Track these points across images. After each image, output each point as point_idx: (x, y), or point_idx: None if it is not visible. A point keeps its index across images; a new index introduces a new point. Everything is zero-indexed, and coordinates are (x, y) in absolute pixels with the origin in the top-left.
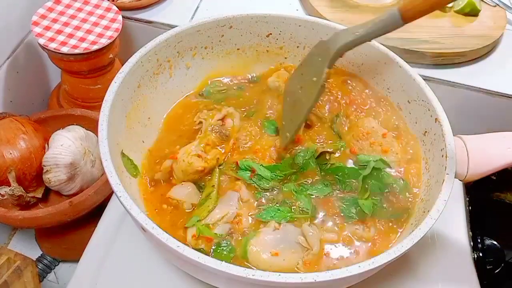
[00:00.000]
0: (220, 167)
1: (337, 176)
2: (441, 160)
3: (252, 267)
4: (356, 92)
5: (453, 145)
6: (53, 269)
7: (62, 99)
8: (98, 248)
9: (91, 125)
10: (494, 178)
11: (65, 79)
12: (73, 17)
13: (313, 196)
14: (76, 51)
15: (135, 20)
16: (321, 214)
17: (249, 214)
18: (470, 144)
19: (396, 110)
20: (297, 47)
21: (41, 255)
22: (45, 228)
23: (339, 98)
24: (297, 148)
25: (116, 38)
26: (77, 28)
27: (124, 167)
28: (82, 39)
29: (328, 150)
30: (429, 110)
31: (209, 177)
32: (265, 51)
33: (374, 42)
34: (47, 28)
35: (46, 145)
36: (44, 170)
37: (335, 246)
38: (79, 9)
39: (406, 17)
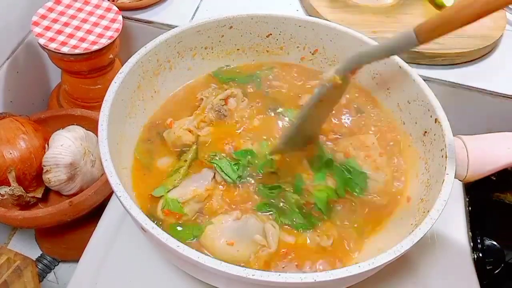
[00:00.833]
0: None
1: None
2: (441, 160)
3: (206, 252)
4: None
5: (453, 145)
6: (53, 269)
7: (62, 99)
8: (98, 248)
9: (91, 125)
10: (494, 178)
11: (65, 79)
12: (73, 17)
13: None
14: (76, 51)
15: (135, 20)
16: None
17: (220, 196)
18: (470, 144)
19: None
20: (297, 47)
21: (41, 255)
22: (45, 228)
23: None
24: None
25: (116, 38)
26: (77, 28)
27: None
28: (82, 39)
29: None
30: (429, 110)
31: (188, 148)
32: (265, 51)
33: (374, 42)
34: (47, 28)
35: (46, 145)
36: (44, 170)
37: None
38: (79, 9)
39: (422, 38)
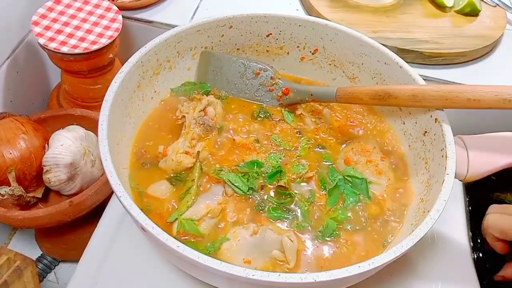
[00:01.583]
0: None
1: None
2: (441, 160)
3: None
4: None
5: (453, 145)
6: (53, 269)
7: (62, 99)
8: (98, 248)
9: (91, 125)
10: (494, 178)
11: (65, 79)
12: (73, 17)
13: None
14: (76, 51)
15: (135, 20)
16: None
17: (234, 208)
18: (470, 144)
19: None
20: (297, 47)
21: (41, 255)
22: (45, 228)
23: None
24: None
25: (116, 38)
26: (77, 28)
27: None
28: (82, 39)
29: (283, 185)
30: (429, 110)
31: (190, 171)
32: (265, 51)
33: (374, 42)
34: (47, 27)
35: (46, 145)
36: (44, 170)
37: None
38: (79, 9)
39: (340, 99)
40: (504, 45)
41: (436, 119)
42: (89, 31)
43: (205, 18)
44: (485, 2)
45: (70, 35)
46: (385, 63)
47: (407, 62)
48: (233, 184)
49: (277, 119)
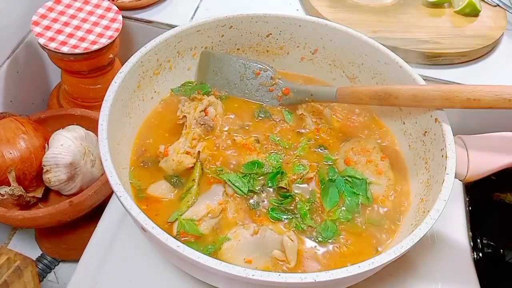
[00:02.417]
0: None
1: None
2: (441, 160)
3: None
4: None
5: (453, 145)
6: (53, 269)
7: (62, 99)
8: (98, 248)
9: (91, 125)
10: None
11: (65, 79)
12: (73, 16)
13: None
14: (76, 50)
15: (135, 20)
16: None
17: (234, 208)
18: (470, 144)
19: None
20: (297, 47)
21: (41, 255)
22: (45, 228)
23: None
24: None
25: (116, 38)
26: (77, 27)
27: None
28: (82, 39)
29: (283, 186)
30: (429, 110)
31: (190, 171)
32: (265, 51)
33: (374, 42)
34: (47, 27)
35: (46, 145)
36: (44, 170)
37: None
38: (79, 9)
39: (340, 99)
40: (504, 45)
41: (436, 119)
42: (89, 31)
43: (205, 18)
44: (485, 2)
45: (70, 35)
46: (385, 63)
47: (407, 62)
48: (233, 184)
49: (278, 119)
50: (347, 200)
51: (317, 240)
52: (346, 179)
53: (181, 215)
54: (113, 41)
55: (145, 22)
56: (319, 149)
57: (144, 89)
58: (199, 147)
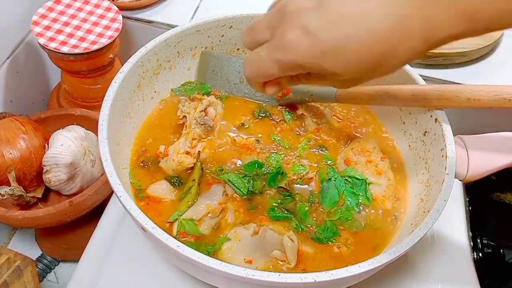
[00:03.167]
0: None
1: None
2: (441, 160)
3: None
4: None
5: (453, 145)
6: (53, 269)
7: (62, 99)
8: (98, 248)
9: (91, 125)
10: (494, 178)
11: (65, 79)
12: (73, 16)
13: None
14: (76, 50)
15: (135, 20)
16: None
17: (234, 208)
18: (470, 144)
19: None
20: None
21: (41, 255)
22: (45, 228)
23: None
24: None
25: (116, 38)
26: (77, 27)
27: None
28: (82, 39)
29: (283, 186)
30: (429, 110)
31: (190, 171)
32: None
33: None
34: (47, 27)
35: (46, 145)
36: (44, 170)
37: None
38: (79, 9)
39: (340, 99)
40: (504, 45)
41: (436, 119)
42: (89, 31)
43: (205, 18)
44: None
45: (70, 35)
46: None
47: None
48: (233, 184)
49: (278, 120)
50: (347, 200)
51: (317, 240)
52: (346, 179)
53: (181, 215)
54: (113, 41)
55: (145, 22)
56: (319, 149)
57: (144, 89)
58: (199, 147)
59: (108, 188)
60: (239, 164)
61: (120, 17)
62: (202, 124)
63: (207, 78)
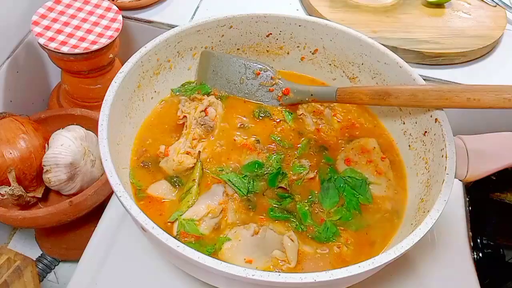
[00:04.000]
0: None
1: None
2: (441, 160)
3: None
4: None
5: (453, 145)
6: (53, 269)
7: (62, 99)
8: (98, 248)
9: (91, 125)
10: (494, 178)
11: (65, 79)
12: (73, 16)
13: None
14: (76, 50)
15: (135, 20)
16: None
17: (234, 208)
18: (470, 144)
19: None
20: (297, 47)
21: (41, 255)
22: (45, 228)
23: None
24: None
25: (116, 38)
26: (77, 27)
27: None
28: (82, 39)
29: (284, 186)
30: (429, 110)
31: (190, 171)
32: (265, 51)
33: (373, 42)
34: (47, 27)
35: (46, 145)
36: (44, 170)
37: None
38: (79, 9)
39: (340, 99)
40: (504, 45)
41: (436, 119)
42: (89, 31)
43: (205, 18)
44: (485, 2)
45: (70, 35)
46: (385, 63)
47: (407, 62)
48: (233, 184)
49: (278, 120)
50: (347, 200)
51: (317, 240)
52: (346, 179)
53: (181, 215)
54: (113, 41)
55: (145, 22)
56: (319, 150)
57: (144, 89)
58: (199, 147)
59: (108, 188)
60: (239, 164)
61: (120, 17)
62: (202, 124)
63: (207, 78)
